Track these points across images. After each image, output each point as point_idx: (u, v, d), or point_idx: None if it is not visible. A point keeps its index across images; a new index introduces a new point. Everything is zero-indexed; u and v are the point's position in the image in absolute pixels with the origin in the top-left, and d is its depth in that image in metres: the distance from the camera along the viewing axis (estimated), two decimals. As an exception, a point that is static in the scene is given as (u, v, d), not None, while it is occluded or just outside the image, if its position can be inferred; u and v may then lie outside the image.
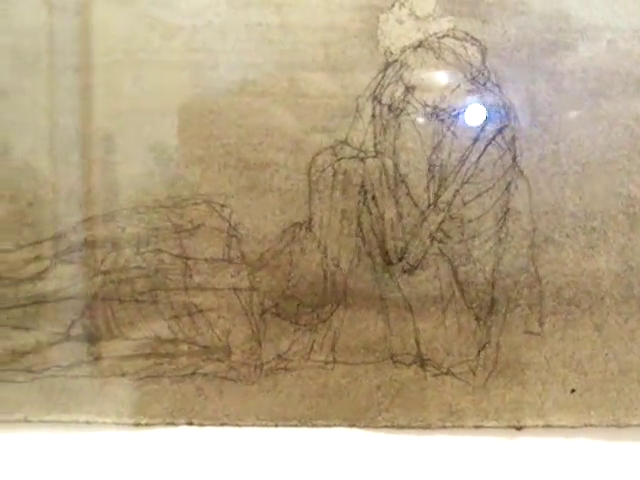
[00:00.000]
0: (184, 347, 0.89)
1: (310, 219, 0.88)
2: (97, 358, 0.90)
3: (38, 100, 0.89)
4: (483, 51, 0.87)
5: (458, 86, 0.87)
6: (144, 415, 0.90)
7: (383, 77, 0.87)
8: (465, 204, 0.87)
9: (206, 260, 0.89)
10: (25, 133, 0.89)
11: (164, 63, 0.88)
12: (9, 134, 0.89)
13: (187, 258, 0.89)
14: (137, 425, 0.90)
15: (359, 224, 0.88)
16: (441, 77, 0.87)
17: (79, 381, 0.90)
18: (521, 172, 0.87)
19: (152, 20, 0.88)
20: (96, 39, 0.88)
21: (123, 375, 0.90)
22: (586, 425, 0.89)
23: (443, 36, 0.87)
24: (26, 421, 0.91)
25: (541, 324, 0.88)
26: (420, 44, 0.87)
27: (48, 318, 0.90)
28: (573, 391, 0.88)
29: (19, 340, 0.90)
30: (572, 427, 0.89)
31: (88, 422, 0.91)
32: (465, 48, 0.86)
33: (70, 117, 0.89)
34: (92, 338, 0.90)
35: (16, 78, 0.89)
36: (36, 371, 0.90)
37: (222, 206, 0.88)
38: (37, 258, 0.90)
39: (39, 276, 0.90)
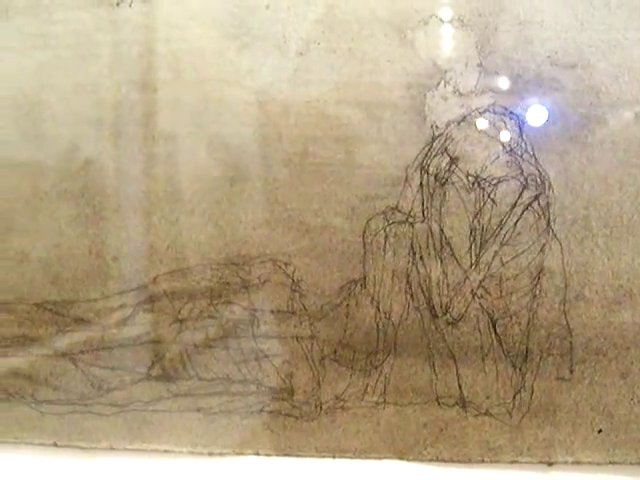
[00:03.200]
0: (252, 387, 0.98)
1: (364, 277, 0.95)
2: (175, 395, 0.99)
3: (121, 167, 0.99)
4: (520, 124, 0.92)
5: (497, 157, 0.93)
6: (216, 445, 0.99)
7: (430, 149, 0.93)
8: (504, 264, 0.93)
9: (272, 312, 0.97)
10: (111, 196, 0.99)
11: (233, 135, 0.96)
12: (96, 197, 1.00)
13: (255, 310, 0.98)
14: (210, 454, 0.99)
15: (408, 282, 0.95)
16: (482, 149, 0.93)
17: (158, 415, 1.00)
18: (555, 235, 0.92)
19: (222, 96, 0.97)
20: (171, 113, 0.98)
21: (198, 410, 0.99)
22: (611, 462, 0.93)
23: (484, 111, 0.93)
24: (111, 449, 1.01)
25: (571, 371, 0.93)
26: (463, 119, 0.93)
27: (131, 359, 1.00)
28: (600, 431, 0.94)
29: (105, 378, 1.01)
30: (598, 464, 0.94)
31: (166, 451, 1.00)
32: (504, 122, 0.93)
33: (153, 182, 0.98)
34: (170, 378, 1.00)
35: (101, 147, 0.99)
36: (120, 405, 1.00)
37: (286, 264, 0.96)
38: (121, 307, 1.01)
39: (124, 322, 1.00)
